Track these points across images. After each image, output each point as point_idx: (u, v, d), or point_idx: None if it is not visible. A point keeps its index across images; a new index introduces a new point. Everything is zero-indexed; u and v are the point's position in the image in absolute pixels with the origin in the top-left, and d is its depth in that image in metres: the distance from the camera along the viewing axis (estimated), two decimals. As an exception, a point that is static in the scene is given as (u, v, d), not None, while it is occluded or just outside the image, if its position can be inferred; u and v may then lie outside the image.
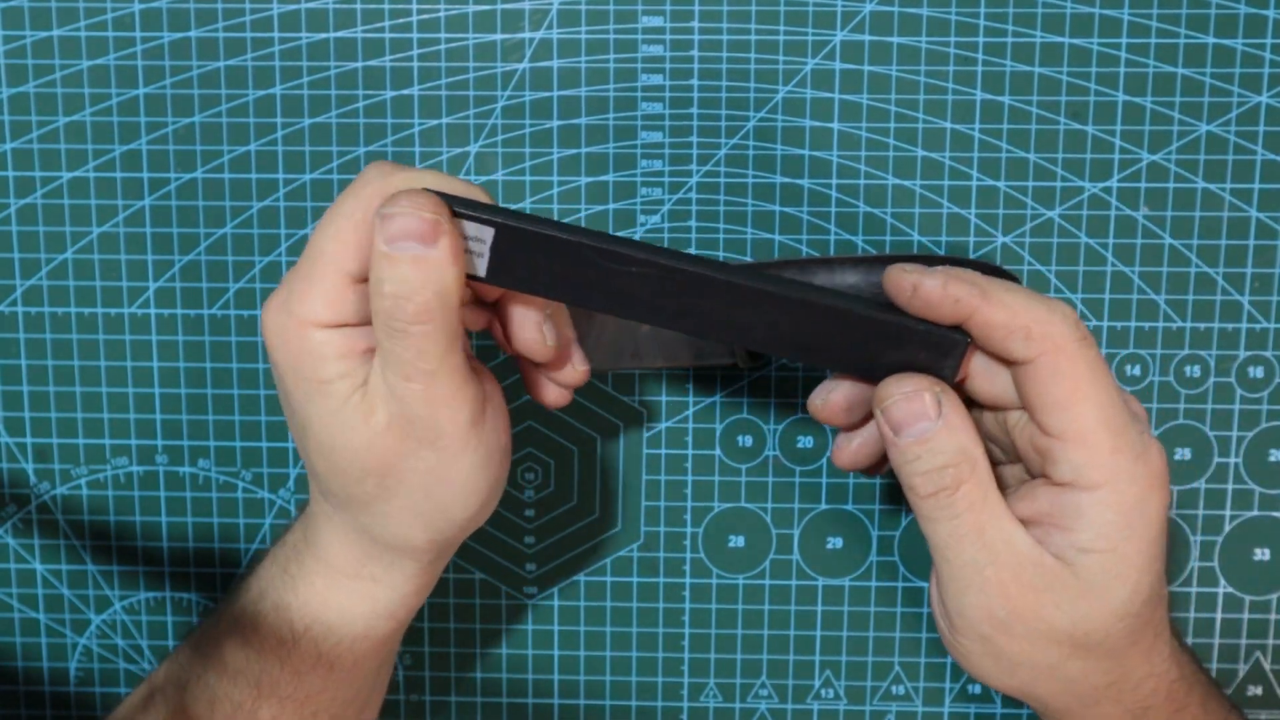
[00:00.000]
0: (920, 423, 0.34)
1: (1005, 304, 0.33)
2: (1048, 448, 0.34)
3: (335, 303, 0.33)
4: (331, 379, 0.34)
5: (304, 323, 0.33)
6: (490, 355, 0.46)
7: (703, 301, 0.34)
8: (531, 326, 0.35)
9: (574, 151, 0.44)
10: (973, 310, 0.33)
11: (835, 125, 0.44)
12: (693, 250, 0.45)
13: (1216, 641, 0.46)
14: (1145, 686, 0.36)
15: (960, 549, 0.34)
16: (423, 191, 0.32)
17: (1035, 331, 0.33)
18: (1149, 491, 0.33)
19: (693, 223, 0.45)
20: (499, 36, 0.44)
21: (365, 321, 0.34)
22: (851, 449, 0.38)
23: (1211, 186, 0.44)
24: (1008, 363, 0.34)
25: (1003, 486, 0.36)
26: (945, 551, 0.34)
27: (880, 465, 0.38)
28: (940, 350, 0.34)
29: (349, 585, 0.37)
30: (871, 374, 0.35)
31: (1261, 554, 0.46)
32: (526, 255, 0.33)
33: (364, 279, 0.33)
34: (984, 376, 0.35)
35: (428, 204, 0.32)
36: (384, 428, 0.33)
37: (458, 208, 0.33)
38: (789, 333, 0.34)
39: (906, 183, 0.44)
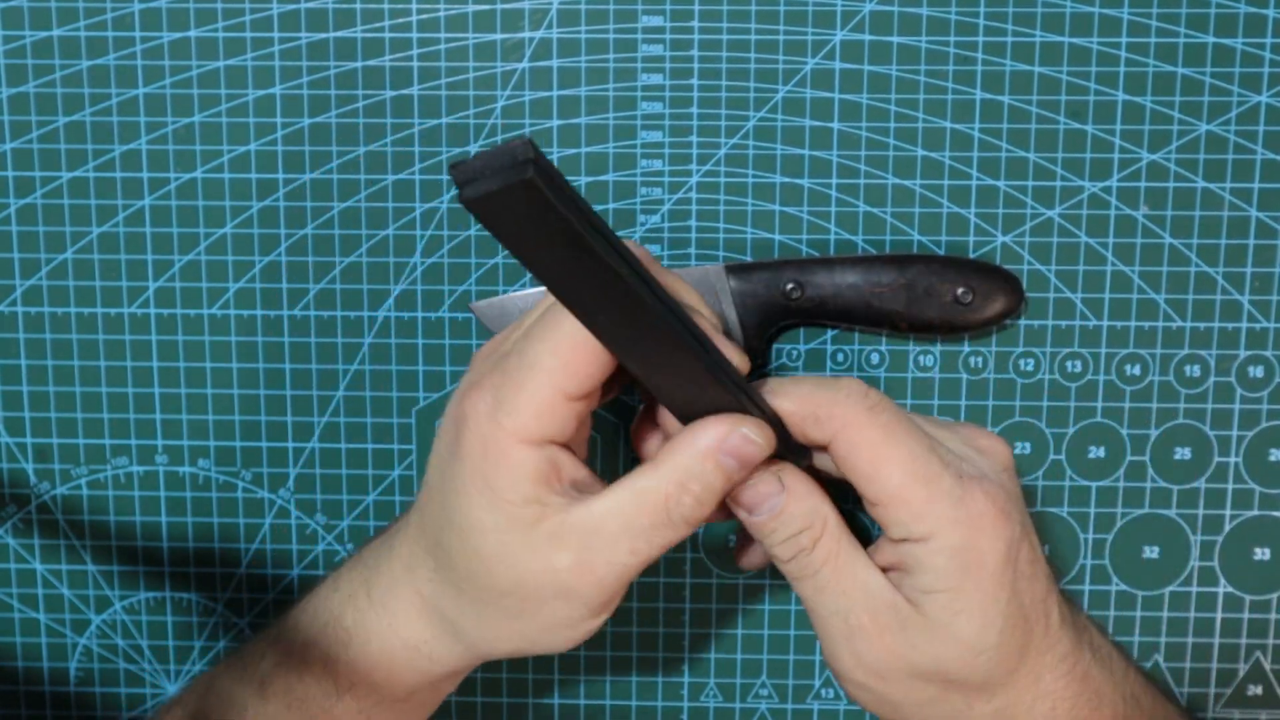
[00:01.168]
0: (768, 500, 0.36)
1: (790, 396, 0.35)
2: (875, 513, 0.36)
3: (546, 419, 0.33)
4: (522, 502, 0.34)
5: (511, 435, 0.33)
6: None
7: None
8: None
9: (574, 151, 0.44)
10: (774, 403, 0.35)
11: (835, 125, 0.44)
12: (692, 250, 0.45)
13: (1216, 641, 0.46)
14: (1039, 708, 0.37)
15: (824, 601, 0.36)
16: (766, 428, 0.34)
17: (822, 414, 0.35)
18: (974, 533, 0.35)
19: (693, 223, 0.45)
20: (499, 36, 0.44)
21: (567, 444, 0.34)
22: (751, 553, 0.42)
23: (1211, 186, 0.44)
24: (821, 448, 0.36)
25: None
26: (814, 606, 0.37)
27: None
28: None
29: (407, 655, 0.37)
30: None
31: (1261, 554, 0.46)
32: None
33: (578, 398, 0.33)
34: (821, 461, 0.38)
35: (767, 437, 0.34)
36: (563, 569, 0.34)
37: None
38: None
39: (906, 183, 0.44)
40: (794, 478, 0.36)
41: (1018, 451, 0.45)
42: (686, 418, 0.35)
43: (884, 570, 0.36)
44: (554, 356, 0.33)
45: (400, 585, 0.37)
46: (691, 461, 0.33)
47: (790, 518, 0.36)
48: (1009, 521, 0.35)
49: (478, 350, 0.37)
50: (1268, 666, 0.47)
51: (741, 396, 0.34)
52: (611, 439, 0.46)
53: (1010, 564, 0.35)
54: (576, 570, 0.34)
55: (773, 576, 0.47)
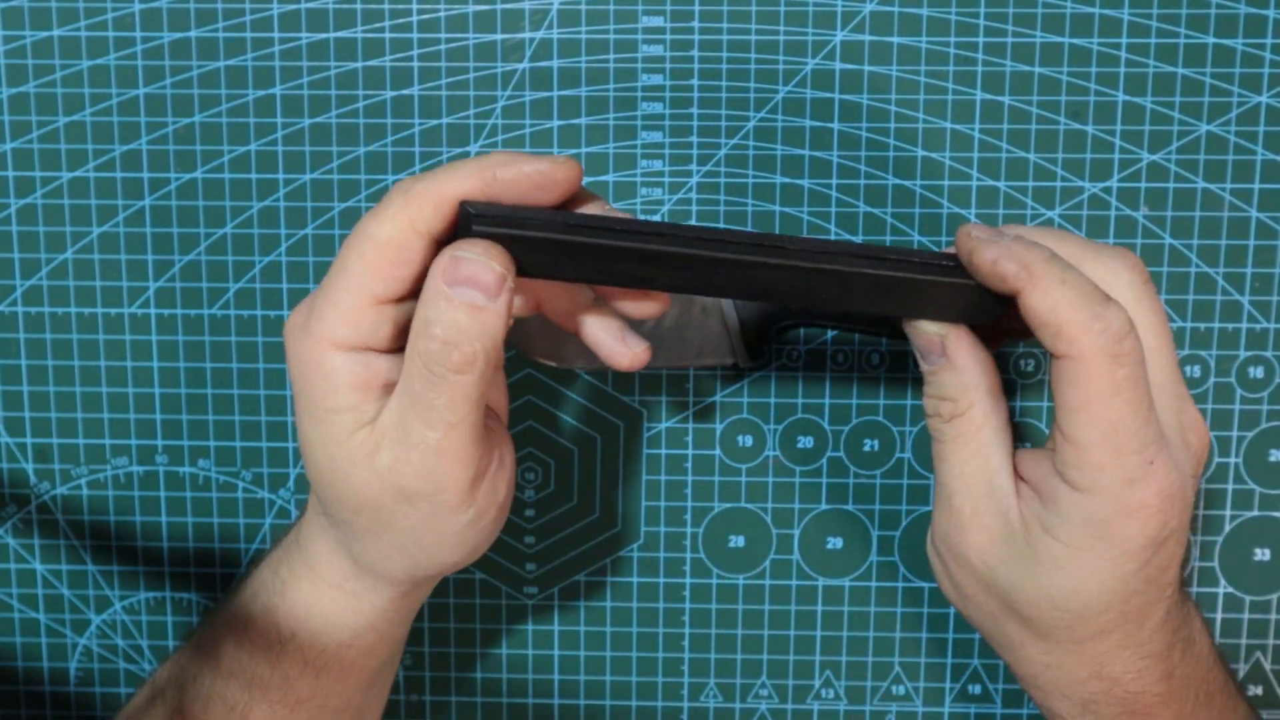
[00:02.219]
0: (931, 355, 0.36)
1: (1050, 296, 0.33)
2: (1056, 433, 0.35)
3: (356, 323, 0.33)
4: (340, 409, 0.33)
5: (322, 341, 0.33)
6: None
7: (719, 276, 0.34)
8: (612, 339, 0.36)
9: (574, 151, 0.44)
10: (1018, 291, 0.33)
11: (835, 125, 0.44)
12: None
13: (1216, 641, 0.46)
14: (1089, 687, 0.36)
15: (941, 470, 0.36)
16: (495, 246, 0.32)
17: (1065, 334, 0.33)
18: (1126, 517, 0.33)
19: (693, 223, 0.45)
20: (499, 36, 0.44)
21: (384, 349, 0.34)
22: None
23: (1211, 186, 0.44)
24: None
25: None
26: (935, 467, 0.37)
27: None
28: (967, 299, 0.35)
29: (333, 594, 0.37)
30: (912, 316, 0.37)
31: (1261, 554, 0.46)
32: (549, 257, 0.33)
33: (388, 301, 0.33)
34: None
35: (500, 258, 0.32)
36: (386, 470, 0.33)
37: (481, 226, 0.33)
38: (822, 298, 0.35)
39: (906, 183, 0.44)
40: (959, 348, 0.36)
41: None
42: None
43: (1023, 479, 0.36)
44: (360, 261, 0.33)
45: (314, 526, 0.37)
46: (425, 309, 0.32)
47: (939, 384, 0.36)
48: (1163, 523, 0.34)
49: None
50: (1268, 667, 0.47)
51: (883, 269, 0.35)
52: (612, 440, 0.46)
53: (1139, 560, 0.34)
54: (396, 467, 0.33)
55: (773, 576, 0.47)
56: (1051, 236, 0.36)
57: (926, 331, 0.36)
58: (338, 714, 0.39)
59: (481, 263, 0.32)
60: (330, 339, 0.33)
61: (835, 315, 0.43)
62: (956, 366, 0.36)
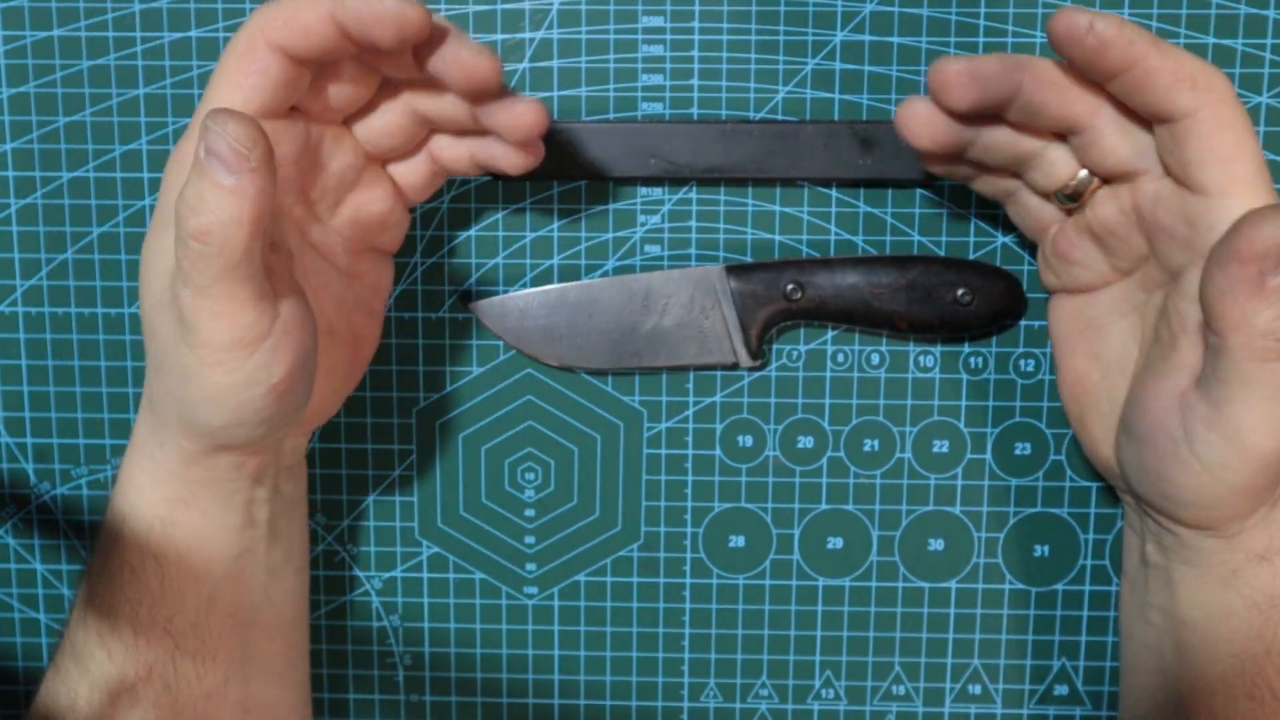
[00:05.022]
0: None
1: (1172, 54, 0.33)
2: (1200, 212, 0.34)
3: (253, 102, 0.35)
4: (167, 227, 0.35)
5: (174, 171, 0.35)
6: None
7: None
8: (458, 49, 0.35)
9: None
10: (1143, 55, 0.33)
11: (835, 125, 0.44)
12: (692, 250, 0.45)
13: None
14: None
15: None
16: (248, 120, 0.32)
17: (1201, 82, 0.33)
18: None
19: (693, 223, 0.45)
20: (499, 36, 0.44)
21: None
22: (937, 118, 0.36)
23: (1211, 186, 0.44)
24: (1159, 121, 0.34)
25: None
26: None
27: (952, 160, 0.38)
28: None
29: (138, 460, 0.38)
30: None
31: (1261, 554, 0.46)
32: None
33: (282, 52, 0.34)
34: (1122, 137, 0.35)
35: (246, 136, 0.32)
36: (172, 299, 0.34)
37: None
38: None
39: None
40: None
41: (1017, 452, 0.45)
42: None
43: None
44: (218, 74, 0.35)
45: (136, 449, 0.38)
46: (193, 168, 0.33)
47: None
48: None
49: None
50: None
51: None
52: (612, 440, 0.46)
53: None
54: (175, 303, 0.34)
55: (773, 576, 0.47)
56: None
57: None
58: (202, 627, 0.38)
59: (224, 139, 0.32)
60: (179, 172, 0.34)
61: None
62: None
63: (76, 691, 0.37)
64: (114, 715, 0.37)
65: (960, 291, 0.43)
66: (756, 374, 0.45)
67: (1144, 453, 0.36)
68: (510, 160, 0.39)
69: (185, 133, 0.36)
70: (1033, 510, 0.46)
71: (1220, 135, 0.33)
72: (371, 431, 0.46)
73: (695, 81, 0.44)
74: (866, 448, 0.46)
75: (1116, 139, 0.35)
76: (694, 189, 0.44)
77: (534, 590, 0.47)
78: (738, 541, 0.46)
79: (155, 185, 0.44)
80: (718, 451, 0.46)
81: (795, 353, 0.45)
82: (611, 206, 0.44)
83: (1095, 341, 0.39)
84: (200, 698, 0.38)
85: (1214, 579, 0.37)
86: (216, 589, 0.38)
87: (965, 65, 0.34)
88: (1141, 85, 0.33)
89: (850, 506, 0.46)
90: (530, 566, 0.47)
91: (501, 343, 0.45)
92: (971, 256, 0.44)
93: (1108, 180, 0.37)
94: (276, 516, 0.40)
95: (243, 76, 0.34)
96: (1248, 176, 0.33)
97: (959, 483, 0.46)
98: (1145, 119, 0.35)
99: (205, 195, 0.32)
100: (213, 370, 0.34)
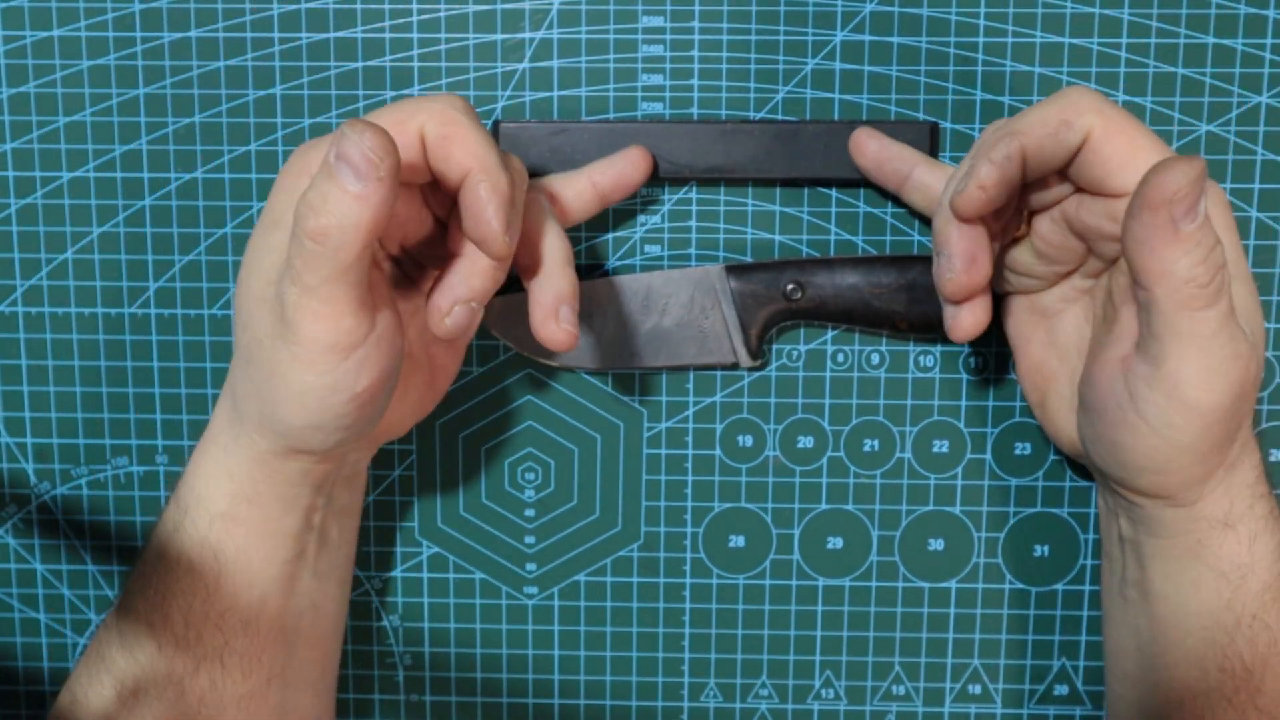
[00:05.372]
0: (1192, 214, 0.34)
1: (1029, 119, 0.36)
2: (1123, 207, 0.35)
3: None
4: (283, 225, 0.35)
5: (298, 166, 0.36)
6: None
7: None
8: (478, 213, 0.35)
9: (574, 151, 0.44)
10: (1021, 149, 0.36)
11: (835, 125, 0.44)
12: (692, 250, 0.45)
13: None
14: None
15: (1225, 331, 0.34)
16: (382, 134, 0.33)
17: (1070, 113, 0.35)
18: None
19: (693, 223, 0.45)
20: (499, 36, 0.44)
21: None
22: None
23: (1211, 186, 0.44)
24: (1064, 167, 0.37)
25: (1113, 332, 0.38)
26: (1213, 337, 0.34)
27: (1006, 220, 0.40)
28: None
29: (210, 449, 0.38)
30: None
31: (1261, 554, 0.46)
32: None
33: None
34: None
35: (379, 147, 0.33)
36: (274, 297, 0.35)
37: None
38: None
39: (906, 183, 0.44)
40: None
41: (1017, 452, 0.45)
42: None
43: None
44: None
45: (210, 440, 0.39)
46: (320, 170, 0.34)
47: (1206, 244, 0.33)
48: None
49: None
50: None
51: None
52: (612, 440, 0.46)
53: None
54: (277, 299, 0.35)
55: (773, 576, 0.47)
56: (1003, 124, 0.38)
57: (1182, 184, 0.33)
58: (255, 626, 0.39)
59: (357, 145, 0.33)
60: (306, 167, 0.36)
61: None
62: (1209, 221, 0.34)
63: (123, 681, 0.38)
64: (160, 706, 0.37)
65: (960, 291, 0.43)
66: (756, 374, 0.45)
67: (1097, 423, 0.37)
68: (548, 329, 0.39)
69: (310, 142, 0.37)
70: (1033, 510, 0.46)
71: (1113, 145, 0.35)
72: (371, 431, 0.46)
73: (695, 81, 0.44)
74: (866, 448, 0.46)
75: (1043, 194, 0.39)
76: (694, 189, 0.44)
77: (534, 590, 0.47)
78: (738, 541, 0.46)
79: (155, 185, 0.44)
80: (718, 451, 0.46)
81: (795, 353, 0.45)
82: (611, 206, 0.44)
83: (1049, 329, 0.41)
84: (243, 697, 0.38)
85: (1181, 550, 0.38)
86: (269, 591, 0.39)
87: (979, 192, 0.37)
88: (1033, 158, 0.36)
89: (850, 506, 0.46)
90: (530, 566, 0.47)
91: (501, 343, 0.45)
92: (971, 256, 0.44)
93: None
94: (329, 524, 0.40)
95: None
96: (1152, 162, 0.34)
97: (959, 483, 0.46)
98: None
99: (329, 198, 0.33)
100: (304, 370, 0.35)
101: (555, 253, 0.38)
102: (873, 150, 0.42)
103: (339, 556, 0.42)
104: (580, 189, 0.41)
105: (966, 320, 0.39)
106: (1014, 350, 0.42)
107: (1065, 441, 0.41)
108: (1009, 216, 0.39)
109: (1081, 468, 0.45)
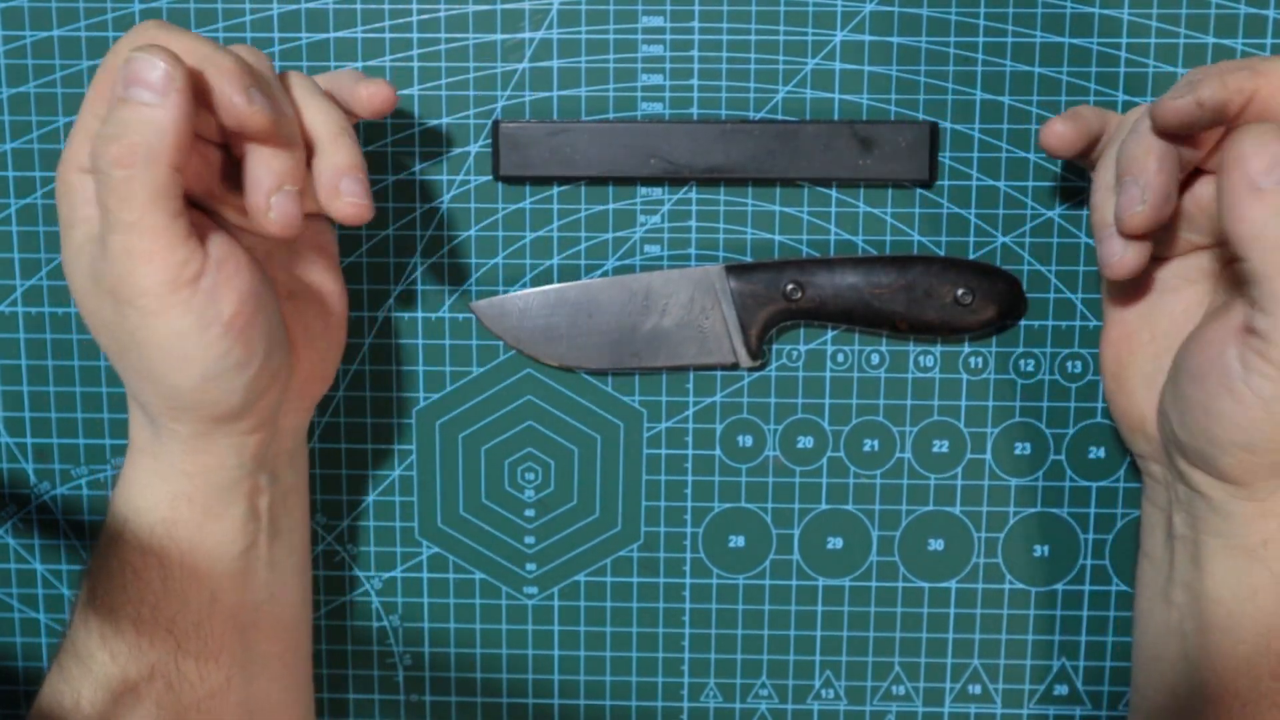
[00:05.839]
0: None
1: (1277, 64, 0.34)
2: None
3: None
4: (75, 223, 0.35)
5: (68, 166, 0.35)
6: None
7: None
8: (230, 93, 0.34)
9: (574, 151, 0.44)
10: (1254, 90, 0.34)
11: (835, 125, 0.44)
12: (692, 250, 0.45)
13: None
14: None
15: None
16: (169, 52, 0.33)
17: (1247, 89, 0.34)
18: None
19: (693, 223, 0.45)
20: (499, 36, 0.44)
21: None
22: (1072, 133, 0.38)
23: (1211, 186, 0.44)
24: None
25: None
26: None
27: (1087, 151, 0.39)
28: None
29: (138, 460, 0.38)
30: None
31: (1261, 554, 0.46)
32: None
33: None
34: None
35: (170, 60, 0.33)
36: (100, 277, 0.35)
37: None
38: None
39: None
40: None
41: (1017, 452, 0.45)
42: None
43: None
44: (94, 89, 0.35)
45: (135, 452, 0.38)
46: (112, 107, 0.33)
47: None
48: None
49: None
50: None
51: None
52: (612, 440, 0.46)
53: None
54: (102, 272, 0.34)
55: (773, 576, 0.47)
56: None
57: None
58: (206, 625, 0.38)
59: (149, 65, 0.33)
60: (74, 163, 0.35)
61: None
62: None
63: (80, 692, 0.37)
64: (117, 715, 0.37)
65: (960, 291, 0.43)
66: (756, 374, 0.45)
67: (1196, 390, 0.36)
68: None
69: (76, 125, 0.36)
70: (1033, 510, 0.46)
71: None
72: (371, 431, 0.46)
73: (695, 81, 0.44)
74: (866, 448, 0.46)
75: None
76: (694, 189, 0.44)
77: (534, 590, 0.47)
78: (738, 541, 0.46)
79: (155, 185, 0.44)
80: (718, 451, 0.46)
81: (795, 353, 0.45)
82: (611, 206, 0.44)
83: (1154, 303, 0.39)
84: (204, 698, 0.38)
85: (1242, 551, 0.37)
86: (219, 588, 0.38)
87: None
88: (1261, 112, 0.35)
89: (850, 506, 0.46)
90: (530, 566, 0.47)
91: (501, 343, 0.45)
92: (971, 256, 0.44)
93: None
94: (277, 510, 0.40)
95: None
96: None
97: (959, 483, 0.46)
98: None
99: (128, 120, 0.33)
100: (160, 319, 0.34)
101: (323, 126, 0.37)
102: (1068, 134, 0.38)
103: (293, 542, 0.41)
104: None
105: (1133, 258, 0.37)
106: (1106, 313, 0.41)
107: (1133, 418, 0.40)
108: (1199, 158, 0.37)
109: (1114, 461, 0.45)
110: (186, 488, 0.38)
